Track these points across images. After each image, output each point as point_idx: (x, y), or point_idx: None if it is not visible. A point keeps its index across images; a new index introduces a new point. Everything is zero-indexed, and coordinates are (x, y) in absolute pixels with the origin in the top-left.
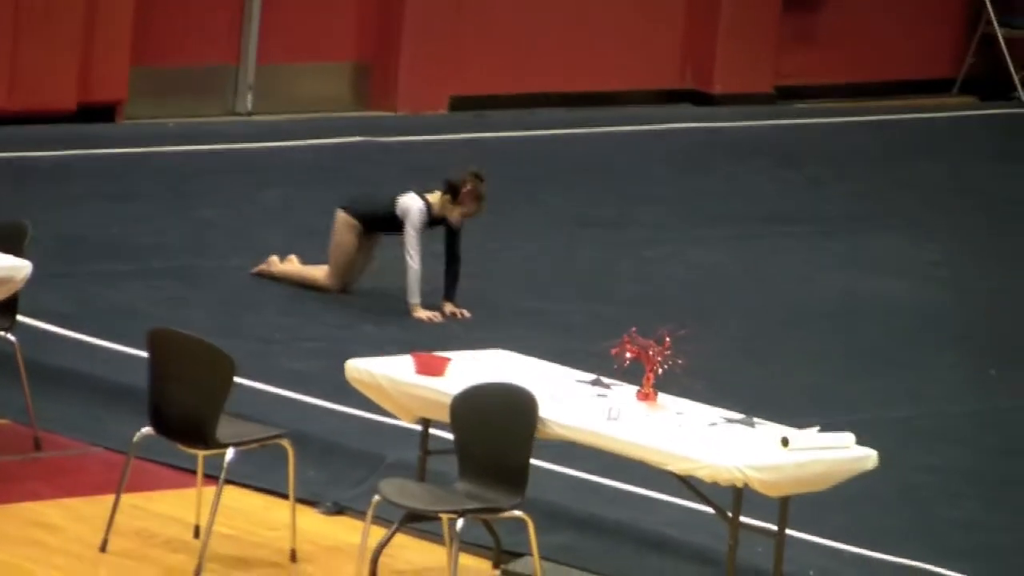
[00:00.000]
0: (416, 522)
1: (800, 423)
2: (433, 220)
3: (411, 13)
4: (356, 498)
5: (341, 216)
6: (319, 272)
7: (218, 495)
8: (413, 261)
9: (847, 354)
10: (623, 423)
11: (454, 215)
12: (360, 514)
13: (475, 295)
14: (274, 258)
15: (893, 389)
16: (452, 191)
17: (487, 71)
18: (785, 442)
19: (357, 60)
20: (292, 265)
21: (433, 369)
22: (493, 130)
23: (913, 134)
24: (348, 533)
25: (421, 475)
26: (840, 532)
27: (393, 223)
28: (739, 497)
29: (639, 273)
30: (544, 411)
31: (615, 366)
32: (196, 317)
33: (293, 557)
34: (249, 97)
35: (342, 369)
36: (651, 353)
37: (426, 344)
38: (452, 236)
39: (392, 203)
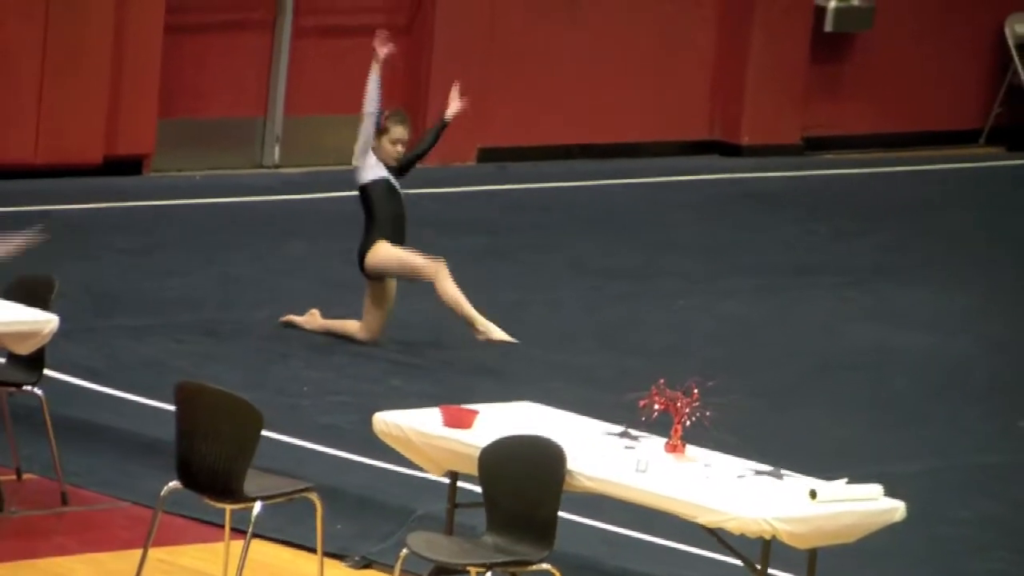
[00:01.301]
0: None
1: (828, 475)
2: (387, 168)
3: (438, 65)
4: (384, 552)
5: (368, 258)
6: (352, 325)
7: (245, 549)
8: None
9: (875, 406)
10: (651, 475)
11: (388, 147)
12: (388, 568)
13: (502, 346)
14: (313, 313)
15: (922, 441)
16: (376, 128)
17: (515, 122)
18: (813, 494)
19: (385, 112)
20: (324, 321)
21: (461, 421)
22: (519, 181)
23: (941, 185)
24: None
25: (449, 528)
26: None
27: (366, 195)
28: (767, 549)
29: (666, 324)
30: (572, 463)
31: (643, 418)
32: (223, 370)
33: None
34: (276, 149)
35: (370, 422)
36: (679, 405)
37: (454, 397)
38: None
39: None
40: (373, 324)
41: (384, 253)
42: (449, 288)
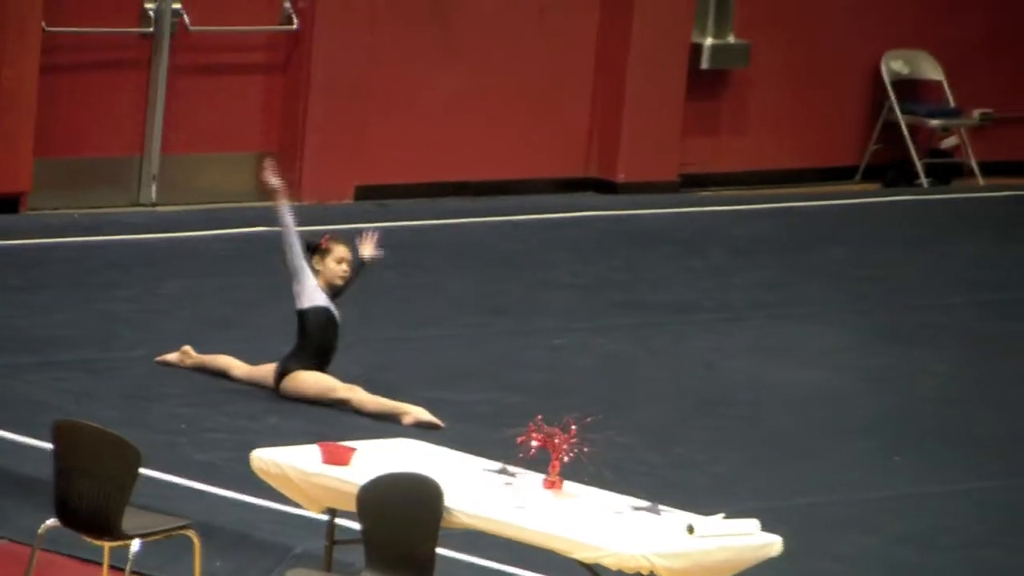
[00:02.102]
0: None
1: (706, 511)
2: (332, 291)
3: (315, 103)
4: None
5: (285, 383)
6: (229, 363)
7: None
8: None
9: (754, 442)
10: (529, 511)
11: (334, 266)
12: None
13: (380, 384)
14: (185, 350)
15: (800, 476)
16: (314, 250)
17: (392, 160)
18: (691, 529)
19: (261, 150)
20: (199, 356)
21: (339, 459)
22: (397, 219)
23: (818, 221)
24: None
25: (328, 565)
26: None
27: (302, 320)
28: None
29: (545, 361)
30: (450, 500)
31: (521, 454)
32: (101, 408)
33: None
34: (153, 188)
35: (247, 459)
36: (557, 441)
37: (332, 434)
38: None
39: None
40: (256, 379)
41: (302, 383)
42: (369, 403)
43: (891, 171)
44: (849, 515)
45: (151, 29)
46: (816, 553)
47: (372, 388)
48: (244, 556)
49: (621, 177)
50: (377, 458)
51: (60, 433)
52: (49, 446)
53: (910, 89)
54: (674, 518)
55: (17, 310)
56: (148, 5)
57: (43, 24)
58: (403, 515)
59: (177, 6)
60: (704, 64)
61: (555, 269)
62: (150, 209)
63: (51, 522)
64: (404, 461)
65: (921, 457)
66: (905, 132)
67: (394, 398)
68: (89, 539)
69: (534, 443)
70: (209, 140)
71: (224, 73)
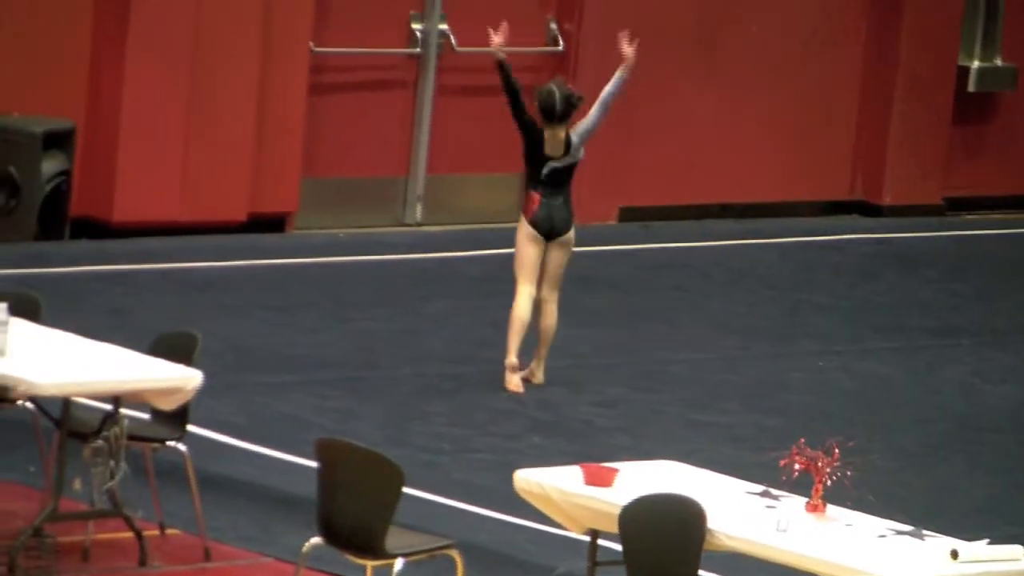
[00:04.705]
0: None
1: (969, 536)
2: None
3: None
4: None
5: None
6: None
7: None
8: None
9: (1017, 467)
10: (792, 535)
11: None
12: None
13: (643, 405)
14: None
15: None
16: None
17: (656, 182)
18: (955, 555)
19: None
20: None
21: (602, 480)
22: (661, 241)
23: None
24: None
25: None
26: None
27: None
28: None
29: (807, 384)
30: (713, 522)
31: (783, 477)
32: (364, 427)
33: None
34: (418, 208)
35: (510, 480)
36: (820, 464)
37: (594, 455)
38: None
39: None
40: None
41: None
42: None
43: None
44: None
45: (418, 50)
46: None
47: (634, 410)
48: None
49: (887, 200)
50: (639, 479)
51: (323, 452)
52: (313, 464)
53: None
54: (937, 543)
55: (282, 329)
56: (415, 26)
57: (311, 45)
58: (665, 536)
59: (444, 27)
60: (971, 87)
61: (818, 291)
62: (415, 229)
63: (315, 540)
64: (666, 483)
65: None
66: None
67: (656, 421)
68: (352, 558)
69: (797, 466)
70: (474, 161)
71: (489, 94)
